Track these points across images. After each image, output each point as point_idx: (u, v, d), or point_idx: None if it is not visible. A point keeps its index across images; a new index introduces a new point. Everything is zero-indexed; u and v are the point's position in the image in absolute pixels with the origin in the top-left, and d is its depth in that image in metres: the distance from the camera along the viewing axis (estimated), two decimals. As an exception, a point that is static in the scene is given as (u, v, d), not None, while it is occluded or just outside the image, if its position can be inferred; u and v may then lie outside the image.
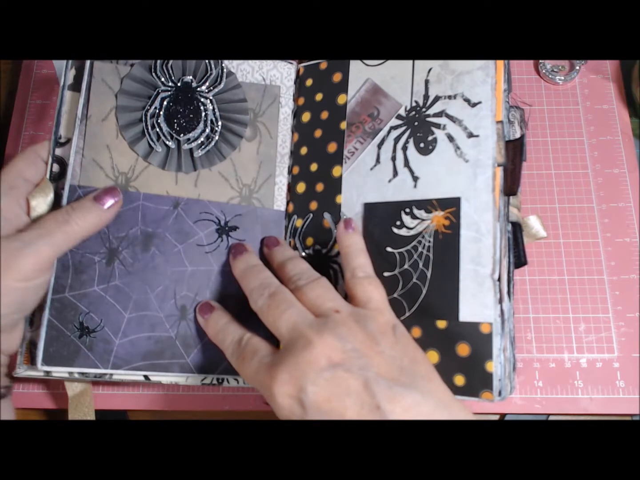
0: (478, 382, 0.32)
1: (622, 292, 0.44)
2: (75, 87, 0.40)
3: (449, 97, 0.36)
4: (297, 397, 0.29)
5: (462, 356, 0.33)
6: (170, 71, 0.40)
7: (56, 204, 0.37)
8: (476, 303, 0.33)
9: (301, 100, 0.43)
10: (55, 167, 0.38)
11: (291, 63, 0.43)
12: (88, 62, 0.39)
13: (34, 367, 0.36)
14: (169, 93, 0.40)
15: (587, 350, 0.43)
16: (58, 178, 0.38)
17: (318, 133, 0.41)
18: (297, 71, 0.44)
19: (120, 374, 0.37)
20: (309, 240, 0.40)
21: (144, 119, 0.39)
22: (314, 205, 0.40)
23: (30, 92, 0.51)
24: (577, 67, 0.50)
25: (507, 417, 0.43)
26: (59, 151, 0.39)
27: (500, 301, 0.32)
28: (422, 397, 0.29)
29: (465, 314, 0.33)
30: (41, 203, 0.37)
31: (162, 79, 0.40)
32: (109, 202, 0.36)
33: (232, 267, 0.39)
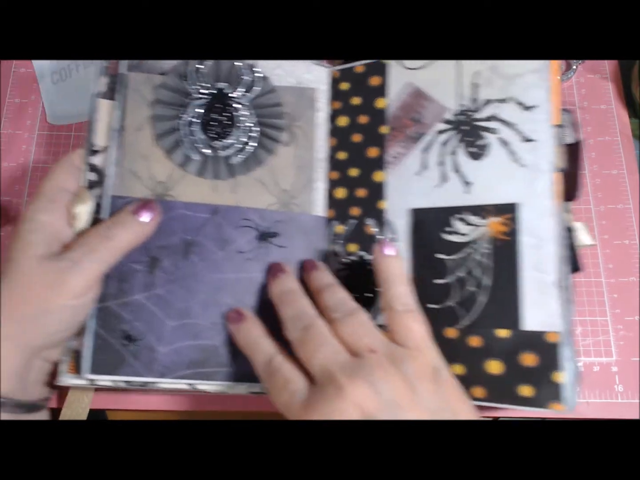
0: (546, 393, 0.32)
1: (621, 294, 0.44)
2: (107, 94, 0.40)
3: (500, 100, 0.36)
4: None
5: (528, 366, 0.33)
6: (203, 78, 0.40)
7: (95, 215, 0.38)
8: (540, 311, 0.33)
9: (337, 105, 0.42)
10: (92, 176, 0.38)
11: (325, 66, 0.43)
12: (122, 72, 0.39)
13: (79, 376, 0.36)
14: (203, 101, 0.40)
15: (583, 353, 0.42)
16: (96, 186, 0.38)
17: (357, 138, 0.41)
18: (332, 75, 0.43)
19: (165, 383, 0.37)
20: (353, 247, 0.40)
21: (179, 127, 0.39)
22: (355, 211, 0.40)
23: (9, 90, 0.51)
24: (574, 67, 0.49)
25: None
26: (93, 159, 0.39)
27: (566, 309, 0.32)
28: None
29: (529, 323, 0.33)
30: (82, 212, 0.37)
31: (196, 87, 0.40)
32: (148, 215, 0.37)
33: (269, 288, 0.38)
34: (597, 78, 0.50)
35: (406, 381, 0.29)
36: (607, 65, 0.50)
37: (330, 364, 0.30)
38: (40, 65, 0.51)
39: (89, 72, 0.51)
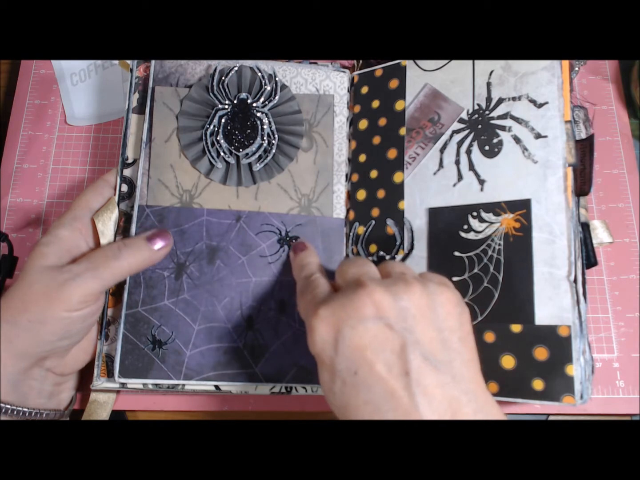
0: (559, 386, 0.33)
1: (622, 292, 0.45)
2: (137, 109, 0.43)
3: (513, 98, 0.37)
4: (334, 337, 0.30)
5: (540, 360, 0.34)
6: (227, 89, 0.42)
7: (127, 224, 0.41)
8: (553, 306, 0.34)
9: (357, 108, 0.44)
10: (124, 187, 0.41)
11: (344, 71, 0.45)
12: (150, 88, 0.42)
13: (111, 380, 0.39)
14: (226, 111, 0.42)
15: (586, 350, 0.44)
16: (127, 197, 0.41)
17: (377, 140, 0.43)
18: (352, 79, 0.45)
19: (192, 385, 0.39)
20: (372, 247, 0.41)
21: (204, 137, 0.42)
22: (375, 212, 0.42)
23: (29, 92, 0.53)
24: (576, 68, 0.50)
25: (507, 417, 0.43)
26: (126, 172, 0.42)
27: (578, 303, 0.33)
28: (452, 381, 0.29)
29: (542, 317, 0.34)
30: (107, 221, 0.40)
31: (219, 98, 0.42)
32: (160, 244, 0.39)
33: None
34: (598, 79, 0.51)
35: (429, 300, 0.31)
36: (608, 67, 0.52)
37: (363, 274, 0.32)
38: (60, 67, 0.53)
39: (108, 74, 0.53)
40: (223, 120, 0.42)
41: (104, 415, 0.42)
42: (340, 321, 0.30)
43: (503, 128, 0.37)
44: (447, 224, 0.38)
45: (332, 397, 0.31)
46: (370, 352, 0.29)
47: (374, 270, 0.33)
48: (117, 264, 0.37)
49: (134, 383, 0.39)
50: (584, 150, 0.34)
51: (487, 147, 0.38)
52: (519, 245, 0.35)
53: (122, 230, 0.41)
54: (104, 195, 0.41)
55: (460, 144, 0.39)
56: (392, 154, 0.42)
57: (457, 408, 0.28)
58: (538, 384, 0.34)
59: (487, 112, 0.38)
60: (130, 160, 0.42)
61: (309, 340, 0.31)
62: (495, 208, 0.37)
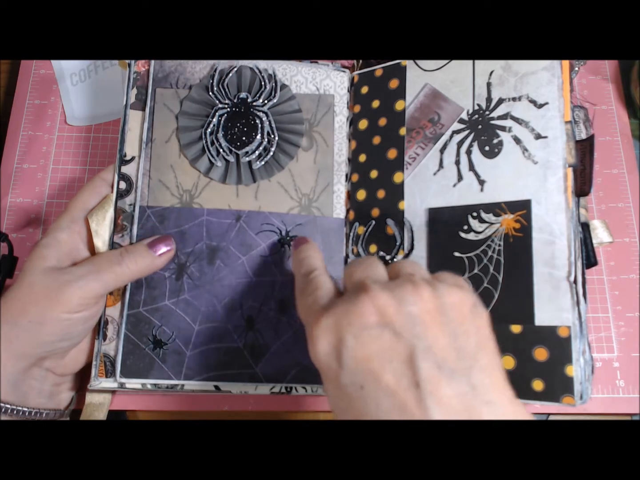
0: (558, 386, 0.33)
1: (622, 291, 0.45)
2: (136, 105, 0.43)
3: (514, 99, 0.37)
4: (337, 348, 0.27)
5: (540, 361, 0.34)
6: (227, 89, 0.42)
7: (127, 224, 0.41)
8: (552, 306, 0.34)
9: (357, 108, 0.44)
10: (122, 184, 0.41)
11: (344, 71, 0.45)
12: (150, 88, 0.42)
13: (109, 379, 0.39)
14: (226, 110, 0.42)
15: (586, 350, 0.44)
16: (125, 194, 0.41)
17: (377, 140, 0.43)
18: (352, 79, 0.45)
19: (192, 385, 0.39)
20: (372, 247, 0.41)
21: (203, 136, 0.42)
22: (375, 212, 0.42)
23: (29, 92, 0.53)
24: (576, 68, 0.50)
25: None
26: (124, 169, 0.42)
27: (578, 303, 0.33)
28: (472, 390, 0.26)
29: (542, 318, 0.34)
30: (101, 221, 0.40)
31: (219, 98, 0.42)
32: (162, 249, 0.39)
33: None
34: (598, 79, 0.52)
35: (438, 303, 0.28)
36: (608, 67, 0.52)
37: (368, 277, 0.30)
38: (60, 67, 0.53)
39: (108, 74, 0.53)
40: (223, 119, 0.42)
41: (100, 416, 0.42)
42: (342, 330, 0.27)
43: (503, 128, 0.37)
44: (447, 224, 0.38)
45: (341, 416, 0.28)
46: (376, 363, 0.26)
47: (380, 272, 0.31)
48: (119, 269, 0.37)
49: (133, 383, 0.39)
50: (584, 150, 0.34)
51: (487, 148, 0.38)
52: (519, 246, 0.35)
53: (121, 229, 0.41)
54: (101, 194, 0.41)
55: (460, 144, 0.39)
56: (392, 154, 0.42)
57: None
58: (538, 385, 0.34)
59: (487, 113, 0.38)
60: (128, 157, 0.42)
61: (310, 352, 0.29)
62: (495, 208, 0.37)
